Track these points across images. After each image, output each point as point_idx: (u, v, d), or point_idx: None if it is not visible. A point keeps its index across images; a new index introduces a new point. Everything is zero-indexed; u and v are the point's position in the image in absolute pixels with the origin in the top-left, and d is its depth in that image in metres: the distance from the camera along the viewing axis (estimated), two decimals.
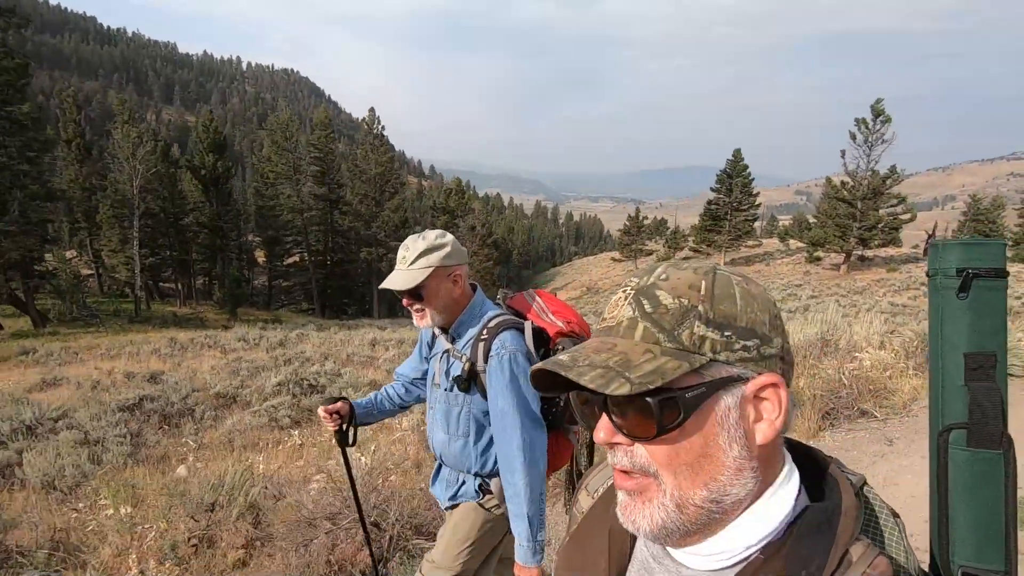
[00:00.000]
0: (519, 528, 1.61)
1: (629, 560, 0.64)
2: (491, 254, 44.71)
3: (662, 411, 0.51)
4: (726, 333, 0.53)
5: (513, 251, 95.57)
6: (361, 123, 44.15)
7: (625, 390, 0.50)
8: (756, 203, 52.58)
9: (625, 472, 0.56)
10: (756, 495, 0.55)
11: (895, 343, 5.08)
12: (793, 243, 59.67)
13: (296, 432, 5.24)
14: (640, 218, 63.88)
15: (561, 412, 1.78)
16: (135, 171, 31.13)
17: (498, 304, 1.80)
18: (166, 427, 6.00)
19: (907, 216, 38.84)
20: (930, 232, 45.81)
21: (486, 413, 1.69)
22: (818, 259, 45.89)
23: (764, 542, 0.54)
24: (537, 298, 1.80)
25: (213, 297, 43.21)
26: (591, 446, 1.89)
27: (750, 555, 0.54)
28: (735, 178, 51.74)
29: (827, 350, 5.02)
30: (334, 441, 1.94)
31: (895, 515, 0.59)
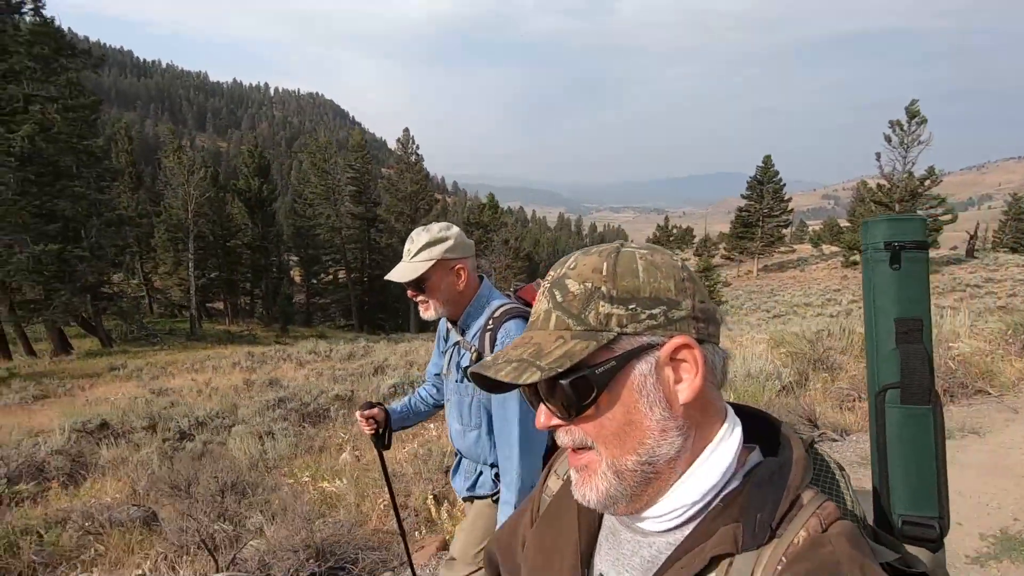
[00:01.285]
0: (504, 513, 1.66)
1: (599, 528, 0.69)
2: (524, 267, 45.34)
3: (576, 390, 0.56)
4: (630, 306, 0.56)
5: (540, 264, 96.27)
6: (396, 143, 45.48)
7: (536, 378, 0.54)
8: (788, 208, 52.23)
9: (573, 451, 0.61)
10: (696, 453, 0.59)
11: (984, 333, 5.47)
12: (827, 248, 58.94)
13: (432, 425, 5.84)
14: (670, 227, 63.91)
15: None
16: (189, 196, 32.74)
17: (508, 295, 1.83)
18: (307, 424, 6.67)
19: (947, 217, 38.22)
20: (972, 233, 44.97)
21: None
22: (855, 263, 45.32)
23: (718, 493, 0.58)
24: None
25: (254, 315, 44.87)
26: None
27: (705, 506, 0.58)
28: (766, 184, 51.59)
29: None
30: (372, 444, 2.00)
31: (841, 468, 0.65)
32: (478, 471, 1.80)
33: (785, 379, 4.46)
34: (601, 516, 0.69)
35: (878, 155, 38.75)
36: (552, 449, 1.74)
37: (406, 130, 44.70)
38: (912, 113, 37.46)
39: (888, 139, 38.34)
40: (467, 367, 1.70)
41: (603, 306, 0.56)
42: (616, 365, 0.56)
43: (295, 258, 50.62)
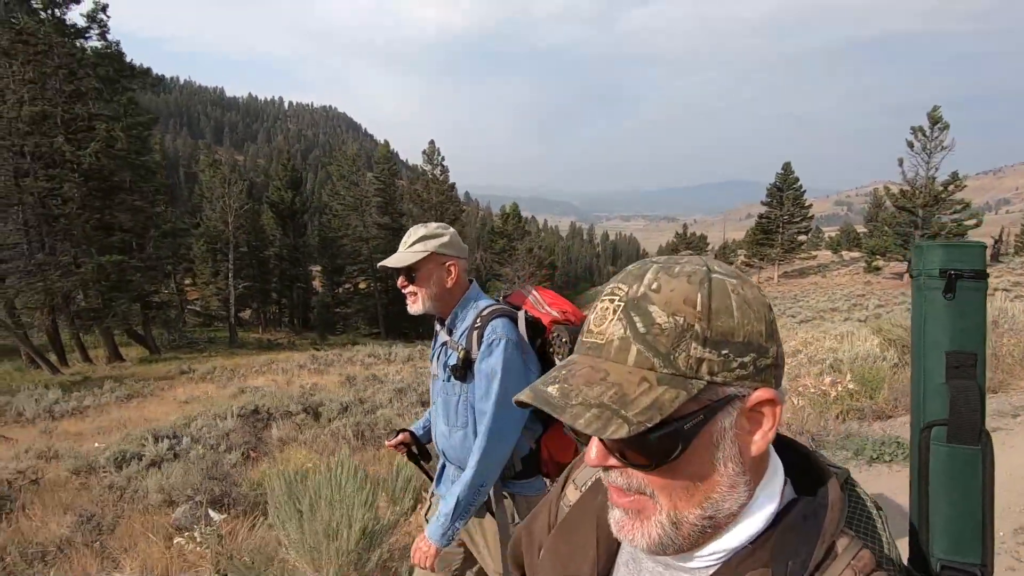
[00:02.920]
0: (446, 503, 1.62)
1: (618, 549, 0.66)
2: (548, 275, 46.01)
3: (660, 446, 0.50)
4: (723, 351, 0.51)
5: (554, 272, 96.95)
6: (422, 155, 46.53)
7: (623, 432, 0.48)
8: (809, 215, 52.55)
9: (620, 491, 0.56)
10: (748, 498, 0.56)
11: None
12: (847, 254, 59.05)
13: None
14: (688, 234, 64.39)
15: None
16: (229, 208, 33.89)
17: (496, 300, 1.83)
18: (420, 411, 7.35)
19: (972, 222, 38.39)
20: (996, 238, 45.04)
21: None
22: (877, 269, 45.48)
23: (753, 537, 0.55)
24: (534, 292, 1.83)
25: (281, 324, 45.94)
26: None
27: (736, 551, 0.56)
28: (786, 191, 51.97)
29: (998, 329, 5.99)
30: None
31: (878, 507, 0.61)
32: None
33: (890, 360, 5.07)
34: None
35: (900, 161, 39.12)
36: (537, 454, 1.76)
37: (431, 142, 45.77)
38: (935, 119, 37.82)
39: (911, 145, 38.69)
40: (453, 365, 1.70)
41: (695, 349, 0.51)
42: (703, 420, 0.51)
43: (317, 268, 51.93)
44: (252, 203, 39.31)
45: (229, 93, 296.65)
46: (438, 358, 1.82)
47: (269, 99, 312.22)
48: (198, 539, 2.92)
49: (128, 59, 22.72)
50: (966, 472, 0.64)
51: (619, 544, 0.65)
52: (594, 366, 0.53)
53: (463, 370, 1.67)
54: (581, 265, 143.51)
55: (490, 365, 1.61)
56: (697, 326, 0.51)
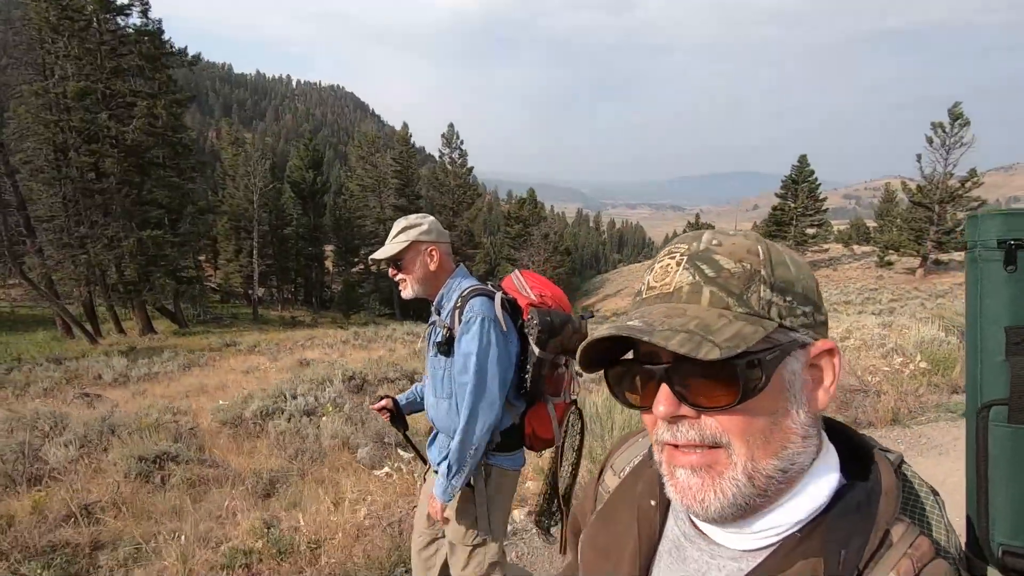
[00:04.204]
0: (444, 466, 1.80)
1: (659, 538, 0.64)
2: (563, 260, 46.47)
3: (747, 376, 0.50)
4: (787, 298, 0.53)
5: (568, 257, 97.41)
6: (441, 138, 46.72)
7: (716, 355, 0.47)
8: (824, 208, 52.71)
9: (692, 447, 0.53)
10: (815, 457, 0.54)
11: None
12: (858, 248, 59.22)
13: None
14: (700, 224, 64.58)
15: (536, 382, 1.84)
16: (254, 187, 34.34)
17: (485, 283, 1.95)
18: None
19: None
20: None
21: None
22: (889, 264, 45.76)
23: (811, 517, 0.54)
24: (519, 275, 1.95)
25: (296, 301, 46.63)
26: (582, 427, 1.99)
27: (788, 533, 0.54)
28: (800, 184, 52.07)
29: None
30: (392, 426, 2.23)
31: (935, 492, 0.58)
32: (450, 444, 1.90)
33: (954, 343, 5.59)
34: (663, 525, 0.64)
35: (919, 156, 39.27)
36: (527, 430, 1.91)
37: (451, 125, 46.01)
38: (955, 115, 37.88)
39: (930, 141, 38.79)
40: (438, 342, 1.86)
41: (764, 291, 0.52)
42: (779, 355, 0.51)
43: (330, 248, 52.58)
44: (276, 183, 39.74)
45: (237, 70, 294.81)
46: (428, 336, 1.98)
47: (277, 77, 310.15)
48: (404, 471, 3.48)
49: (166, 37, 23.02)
50: None
51: (661, 533, 0.64)
52: (671, 307, 0.53)
53: (447, 346, 1.83)
54: (588, 252, 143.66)
55: (467, 341, 1.75)
56: (763, 271, 0.53)
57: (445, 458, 1.83)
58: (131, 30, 21.97)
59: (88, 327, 23.11)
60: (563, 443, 1.94)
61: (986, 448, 0.63)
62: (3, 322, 27.41)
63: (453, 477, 1.76)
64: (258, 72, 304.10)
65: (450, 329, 1.82)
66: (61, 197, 21.87)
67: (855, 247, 60.63)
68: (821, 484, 0.54)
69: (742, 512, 0.53)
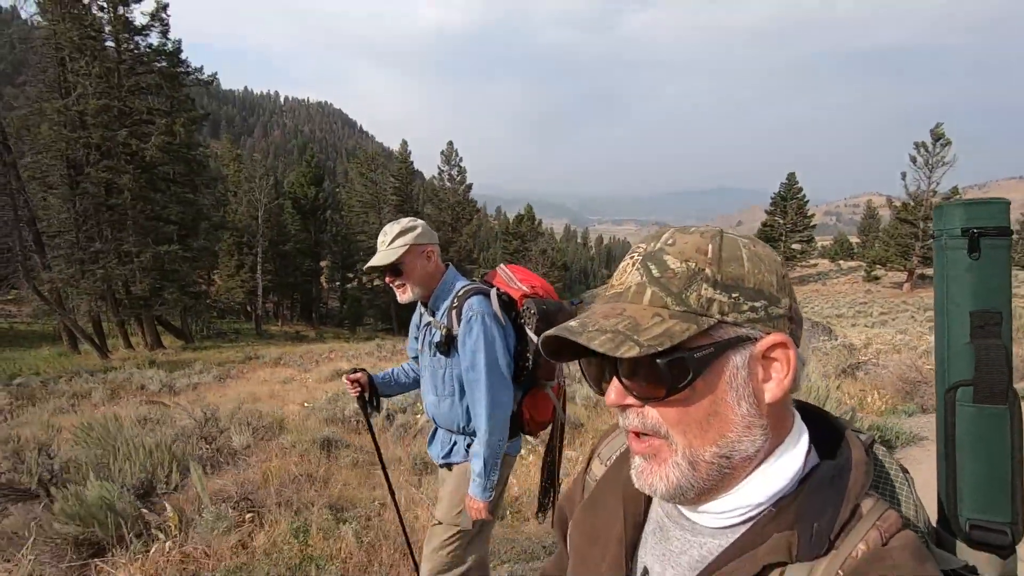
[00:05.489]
0: (476, 465, 1.79)
1: (644, 521, 0.67)
2: (561, 276, 47.16)
3: (671, 372, 0.53)
4: (733, 295, 0.54)
5: (566, 272, 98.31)
6: (440, 156, 47.46)
7: (634, 352, 0.51)
8: (812, 224, 54.20)
9: (637, 435, 0.58)
10: (767, 453, 0.57)
11: None
12: (844, 263, 60.87)
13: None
14: None
15: (534, 370, 1.90)
16: (258, 202, 34.62)
17: (474, 280, 1.99)
18: None
19: None
20: None
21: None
22: (876, 278, 47.21)
23: (775, 497, 0.56)
24: (506, 270, 1.98)
25: (294, 317, 46.64)
26: (563, 407, 2.06)
27: (762, 510, 0.56)
28: (789, 200, 53.59)
29: None
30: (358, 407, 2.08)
31: (904, 471, 0.63)
32: (452, 440, 1.96)
33: None
34: (647, 508, 0.68)
35: (903, 174, 40.89)
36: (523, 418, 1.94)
37: (450, 143, 46.76)
38: (937, 135, 39.56)
39: (913, 160, 40.42)
40: (437, 342, 1.87)
41: (706, 289, 0.54)
42: (713, 352, 0.54)
43: (324, 263, 52.84)
44: (280, 199, 40.06)
45: (225, 86, 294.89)
46: (424, 336, 1.98)
47: (265, 93, 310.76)
48: (538, 451, 3.97)
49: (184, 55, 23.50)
50: (993, 431, 0.65)
51: (645, 515, 0.67)
52: (613, 307, 0.57)
53: (446, 346, 1.85)
54: (577, 268, 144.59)
55: (472, 339, 1.78)
56: (708, 270, 0.55)
57: (449, 453, 1.94)
58: (147, 49, 22.42)
59: (97, 342, 23.12)
60: (558, 431, 2.03)
61: (954, 427, 0.67)
62: (4, 338, 27.22)
63: (491, 473, 1.79)
64: (246, 88, 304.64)
65: (448, 329, 1.84)
66: (75, 212, 22.03)
67: (841, 262, 62.29)
68: (786, 465, 0.57)
69: (697, 494, 0.56)
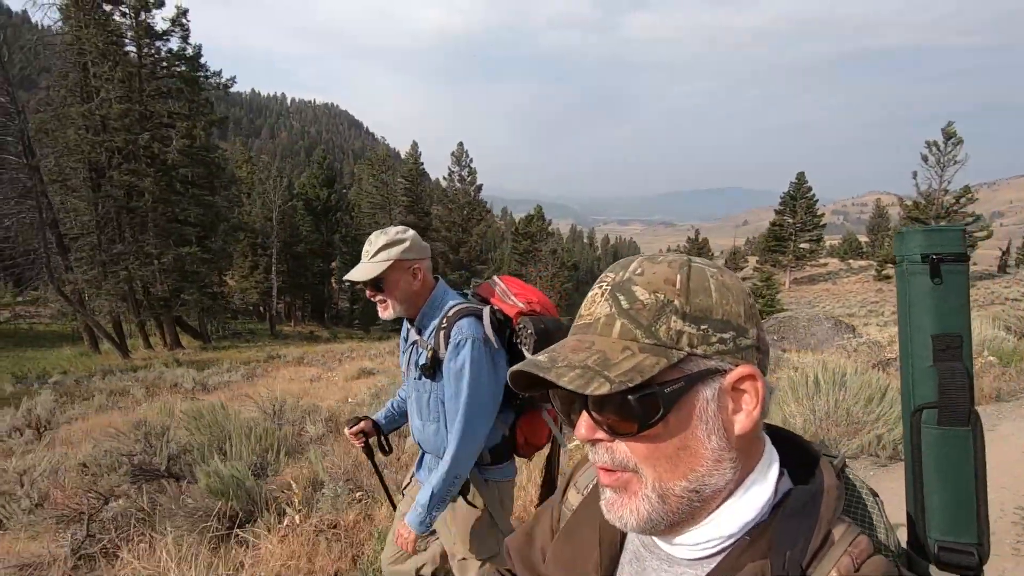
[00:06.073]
0: (423, 494, 1.68)
1: (620, 550, 0.67)
2: (571, 275, 47.35)
3: (643, 407, 0.52)
4: (702, 327, 0.54)
5: (577, 272, 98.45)
6: (450, 157, 47.75)
7: (604, 390, 0.50)
8: (821, 224, 54.16)
9: (606, 470, 0.57)
10: (737, 484, 0.56)
11: None
12: (854, 262, 60.77)
13: None
14: (699, 239, 65.90)
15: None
16: (273, 204, 35.00)
17: (465, 295, 1.85)
18: None
19: (982, 234, 40.05)
20: (1004, 249, 46.76)
21: None
22: (887, 277, 47.06)
23: (749, 526, 0.56)
24: (500, 283, 1.84)
25: (304, 317, 47.02)
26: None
27: (735, 540, 0.56)
28: (799, 200, 53.57)
29: None
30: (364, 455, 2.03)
31: (874, 494, 0.62)
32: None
33: (1012, 339, 6.37)
34: (623, 537, 0.68)
35: (915, 173, 40.80)
36: (509, 443, 1.83)
37: (460, 144, 47.04)
38: (949, 134, 39.49)
39: (925, 159, 40.35)
40: (423, 364, 1.74)
41: (675, 322, 0.54)
42: (684, 386, 0.53)
43: (335, 264, 53.23)
44: (293, 200, 40.47)
45: (232, 88, 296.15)
46: (410, 356, 1.85)
47: (272, 95, 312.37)
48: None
49: (203, 60, 23.86)
50: (957, 453, 0.65)
51: (622, 545, 0.67)
52: (581, 339, 0.57)
53: (432, 369, 1.72)
54: (583, 269, 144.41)
55: (458, 365, 1.65)
56: (676, 301, 0.54)
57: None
58: (167, 53, 22.79)
59: (118, 342, 23.50)
60: (560, 445, 1.92)
61: (920, 449, 0.68)
62: (24, 338, 27.69)
63: (434, 508, 1.69)
64: (253, 90, 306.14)
65: (435, 351, 1.71)
66: (97, 215, 22.42)
67: (851, 261, 62.18)
68: (756, 495, 0.56)
69: (668, 526, 0.56)
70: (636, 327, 0.54)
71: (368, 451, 2.00)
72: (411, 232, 1.76)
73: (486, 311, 1.70)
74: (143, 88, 22.10)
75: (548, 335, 1.64)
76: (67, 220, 22.77)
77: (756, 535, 0.55)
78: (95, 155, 21.10)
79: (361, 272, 1.70)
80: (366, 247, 1.73)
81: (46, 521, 2.91)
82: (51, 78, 22.10)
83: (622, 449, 0.55)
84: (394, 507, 2.16)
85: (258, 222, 36.60)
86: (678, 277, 0.56)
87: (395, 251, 1.70)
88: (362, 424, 1.97)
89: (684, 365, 0.53)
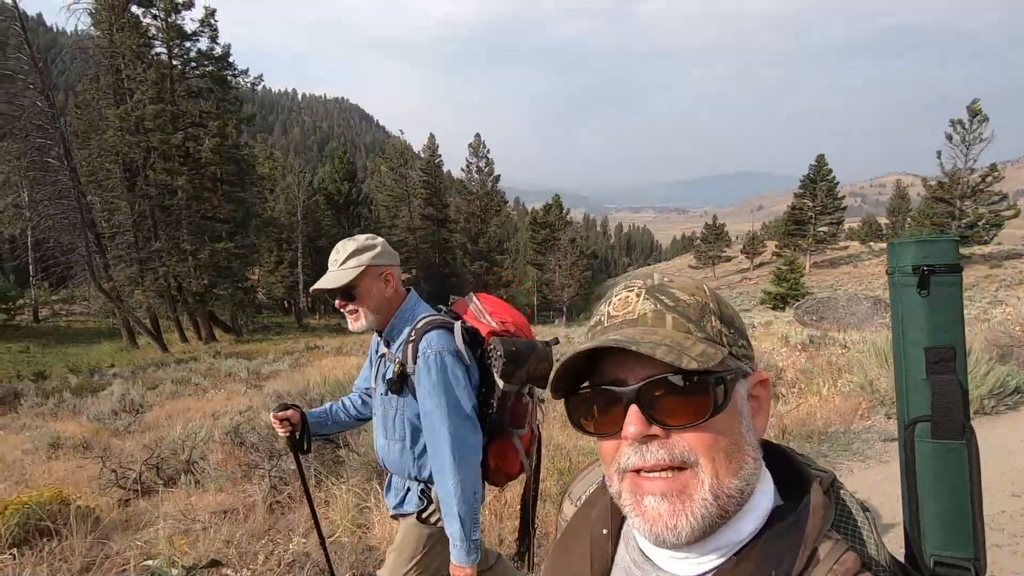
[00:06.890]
0: (452, 528, 1.58)
1: (611, 564, 0.66)
2: (590, 263, 47.54)
3: (715, 391, 0.53)
4: (731, 330, 0.57)
5: (595, 260, 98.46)
6: (467, 148, 48.05)
7: (694, 365, 0.51)
8: (842, 206, 53.51)
9: (660, 471, 0.54)
10: (751, 491, 0.56)
11: None
12: (875, 245, 59.92)
13: None
14: (716, 225, 65.48)
15: (499, 415, 1.68)
16: (297, 200, 35.60)
17: (439, 310, 1.78)
18: None
19: (1010, 212, 39.36)
20: None
21: (420, 416, 1.63)
22: None
23: (743, 543, 0.56)
24: (475, 300, 1.78)
25: (326, 310, 47.79)
26: (539, 452, 1.88)
27: (728, 556, 0.56)
28: (819, 183, 52.92)
29: None
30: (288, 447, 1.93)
31: (865, 509, 0.61)
32: (406, 487, 1.76)
33: None
34: (614, 552, 0.67)
35: (939, 152, 40.12)
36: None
37: (477, 135, 47.32)
38: (974, 112, 38.75)
39: (949, 137, 39.65)
40: (389, 379, 1.66)
41: (715, 321, 0.57)
42: (735, 378, 0.55)
43: None
44: (317, 195, 41.09)
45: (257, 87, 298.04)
46: (377, 370, 1.77)
47: (283, 91, 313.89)
48: None
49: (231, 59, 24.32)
50: (952, 467, 0.65)
51: (612, 560, 0.66)
52: (640, 330, 0.56)
53: (398, 384, 1.64)
54: (598, 256, 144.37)
55: (432, 380, 1.57)
56: (711, 304, 0.58)
57: (402, 502, 1.74)
58: (196, 53, 23.28)
59: (156, 336, 24.28)
60: (532, 475, 1.83)
61: (914, 463, 0.67)
62: (63, 335, 28.67)
63: (471, 532, 1.57)
64: (264, 86, 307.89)
65: (403, 365, 1.63)
66: (135, 214, 23.09)
67: (872, 244, 61.35)
68: (760, 506, 0.57)
69: (700, 536, 0.54)
70: (688, 321, 0.56)
71: (294, 442, 1.86)
72: (380, 239, 1.72)
73: (457, 325, 1.65)
74: (174, 88, 22.64)
75: (519, 357, 1.62)
76: (100, 220, 23.49)
77: (742, 556, 0.55)
78: (132, 155, 21.71)
79: (331, 280, 1.64)
80: (333, 255, 1.68)
81: (225, 478, 3.30)
82: (84, 81, 22.72)
83: (681, 443, 0.54)
84: (314, 512, 2.08)
85: (283, 217, 37.25)
86: (704, 287, 0.60)
87: (366, 257, 1.65)
88: (290, 412, 1.84)
89: (727, 361, 0.55)
